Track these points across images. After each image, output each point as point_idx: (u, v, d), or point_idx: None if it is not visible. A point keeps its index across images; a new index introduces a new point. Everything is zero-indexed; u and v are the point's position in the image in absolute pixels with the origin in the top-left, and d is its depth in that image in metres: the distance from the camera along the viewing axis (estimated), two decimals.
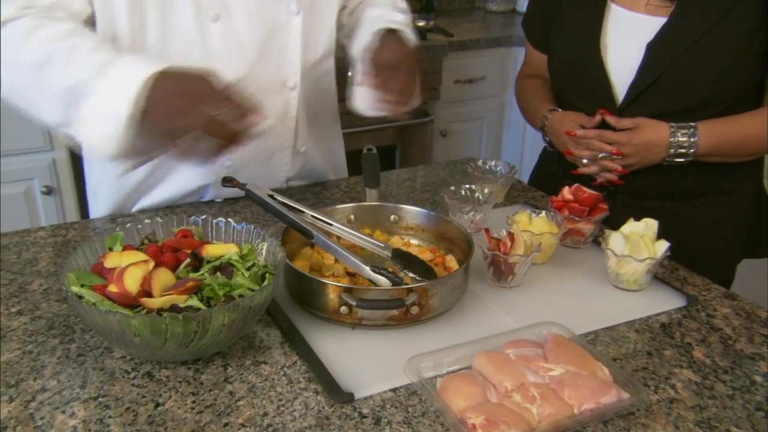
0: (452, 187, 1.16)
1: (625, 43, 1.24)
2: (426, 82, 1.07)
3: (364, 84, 1.03)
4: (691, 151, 1.19)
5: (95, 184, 1.25)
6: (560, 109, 1.33)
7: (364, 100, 1.06)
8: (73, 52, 0.89)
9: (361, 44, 1.12)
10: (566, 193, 1.12)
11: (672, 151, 1.20)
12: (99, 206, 1.24)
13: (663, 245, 0.98)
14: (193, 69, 0.86)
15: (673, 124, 1.19)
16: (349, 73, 1.14)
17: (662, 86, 1.20)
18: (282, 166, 1.25)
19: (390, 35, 1.09)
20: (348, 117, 1.37)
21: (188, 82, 0.86)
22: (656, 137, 1.20)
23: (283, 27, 1.12)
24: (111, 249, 0.86)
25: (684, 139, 1.19)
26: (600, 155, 1.23)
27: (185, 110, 0.82)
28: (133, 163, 0.90)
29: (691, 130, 1.19)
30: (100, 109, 0.85)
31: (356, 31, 1.19)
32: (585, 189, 1.11)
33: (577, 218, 1.08)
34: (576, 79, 1.30)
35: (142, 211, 1.21)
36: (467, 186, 1.17)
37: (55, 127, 0.92)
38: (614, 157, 1.22)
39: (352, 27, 1.22)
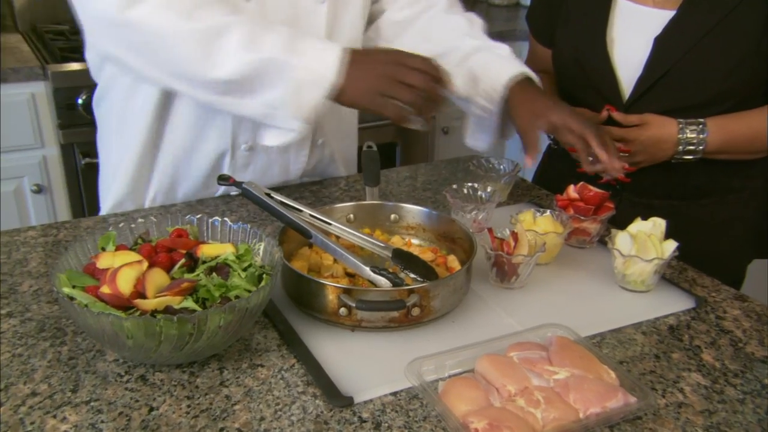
0: (454, 186, 1.17)
1: (632, 37, 1.24)
2: None
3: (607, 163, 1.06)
4: (700, 147, 1.19)
5: (110, 173, 1.25)
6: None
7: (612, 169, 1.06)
8: (251, 23, 0.97)
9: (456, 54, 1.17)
10: (571, 191, 1.12)
11: (680, 147, 1.20)
12: (113, 192, 1.24)
13: (671, 245, 0.98)
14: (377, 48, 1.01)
15: (681, 120, 1.20)
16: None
17: (670, 82, 1.20)
18: (299, 158, 1.26)
19: (527, 82, 1.13)
20: None
21: (382, 52, 1.01)
22: (664, 134, 1.20)
23: (309, 14, 1.13)
24: (103, 249, 0.86)
25: (693, 135, 1.19)
26: None
27: (383, 80, 0.96)
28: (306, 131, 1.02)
29: (700, 126, 1.19)
30: (304, 79, 0.96)
31: (435, 35, 1.22)
32: (591, 187, 1.11)
33: (582, 217, 1.08)
34: (581, 74, 1.30)
35: (151, 208, 1.23)
36: (469, 184, 1.17)
37: (217, 93, 0.99)
38: (621, 154, 1.22)
39: (424, 27, 1.24)
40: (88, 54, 1.22)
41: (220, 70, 0.96)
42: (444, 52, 1.18)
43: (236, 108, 1.01)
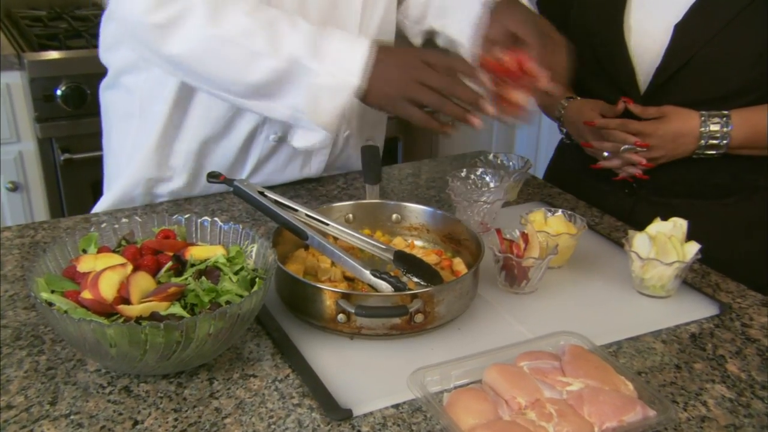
0: (462, 172, 1.17)
1: (651, 24, 1.24)
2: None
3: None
4: (724, 142, 1.19)
5: (124, 161, 1.26)
6: (578, 97, 1.33)
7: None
8: (272, 25, 0.99)
9: (466, 20, 1.13)
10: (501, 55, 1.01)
11: (703, 142, 1.20)
12: (125, 177, 1.25)
13: (693, 247, 0.98)
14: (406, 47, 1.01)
15: (704, 112, 1.19)
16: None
17: (691, 72, 1.20)
18: (323, 150, 1.27)
19: (503, 2, 1.09)
20: None
21: (409, 54, 0.99)
22: (685, 127, 1.20)
23: None
24: (85, 251, 0.86)
25: (716, 128, 1.18)
26: (622, 147, 1.23)
27: (409, 83, 0.96)
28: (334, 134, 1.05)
29: (724, 119, 1.19)
30: (325, 85, 0.98)
31: (450, 7, 1.21)
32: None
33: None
34: (596, 64, 1.30)
35: (155, 204, 1.24)
36: (479, 170, 1.18)
37: (244, 97, 1.03)
38: (638, 149, 1.22)
39: (440, 5, 1.23)
40: (106, 30, 1.22)
41: (248, 77, 1.00)
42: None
43: (265, 111, 1.06)
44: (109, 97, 1.28)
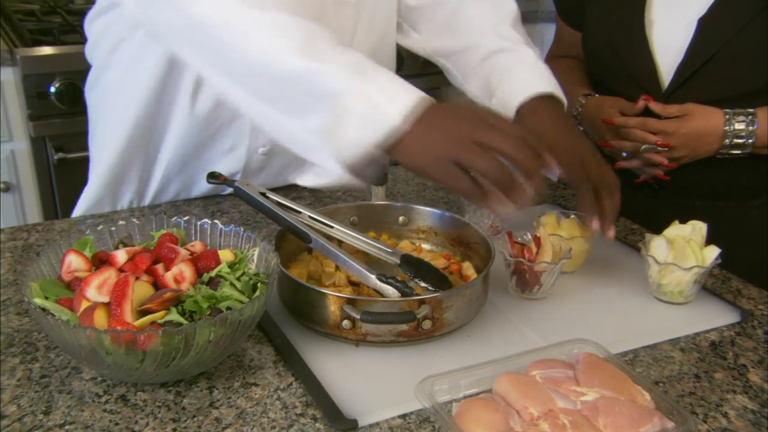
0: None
1: (673, 18, 1.24)
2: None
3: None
4: (750, 141, 1.19)
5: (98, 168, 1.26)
6: (596, 94, 1.33)
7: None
8: (315, 34, 0.86)
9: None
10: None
11: (727, 141, 1.19)
12: (94, 188, 1.25)
13: (713, 251, 0.98)
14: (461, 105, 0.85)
15: (728, 110, 1.19)
16: None
17: (715, 68, 1.20)
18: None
19: (546, 104, 1.03)
20: None
21: (464, 108, 0.85)
22: (709, 125, 1.19)
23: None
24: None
25: (741, 127, 1.18)
26: (643, 147, 1.23)
27: (461, 143, 0.80)
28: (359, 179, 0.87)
29: (750, 117, 1.18)
30: (357, 109, 0.82)
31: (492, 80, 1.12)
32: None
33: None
34: (616, 59, 1.29)
35: (155, 205, 1.25)
36: None
37: (258, 97, 0.89)
38: (659, 149, 1.22)
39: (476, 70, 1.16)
40: (93, 26, 1.21)
41: (272, 67, 0.85)
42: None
43: (277, 127, 0.90)
44: (92, 96, 1.28)
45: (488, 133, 0.81)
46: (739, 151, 1.20)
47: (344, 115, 0.82)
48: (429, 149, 0.82)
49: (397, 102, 0.82)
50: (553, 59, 1.48)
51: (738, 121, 1.19)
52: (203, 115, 1.16)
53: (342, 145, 0.84)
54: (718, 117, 1.19)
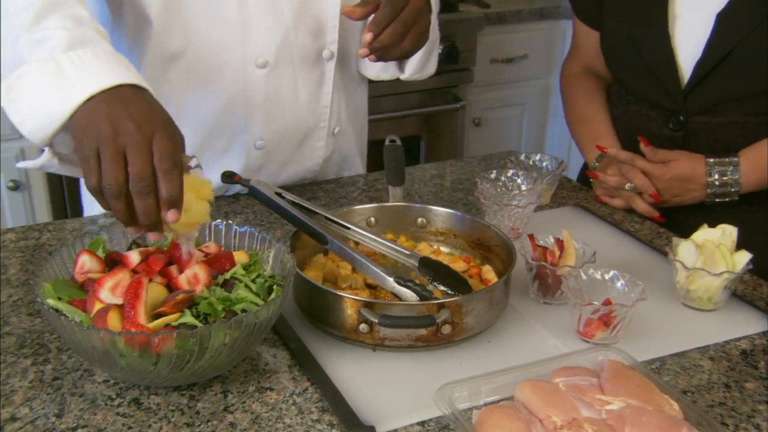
0: (492, 174, 1.17)
1: (694, 13, 1.24)
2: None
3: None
4: (734, 189, 1.21)
5: None
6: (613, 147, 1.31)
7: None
8: (53, 11, 0.85)
9: None
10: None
11: (710, 190, 1.21)
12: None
13: (744, 257, 0.97)
14: (156, 107, 0.80)
15: (710, 159, 1.20)
16: None
17: (733, 64, 1.20)
18: (316, 150, 1.28)
19: None
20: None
21: (134, 109, 0.78)
22: (692, 173, 1.21)
23: None
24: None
25: (724, 178, 1.20)
26: (627, 185, 1.24)
27: (106, 138, 0.75)
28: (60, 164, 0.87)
29: (731, 167, 1.20)
30: (39, 88, 0.81)
31: None
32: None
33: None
34: (636, 57, 1.29)
35: None
36: (508, 174, 1.17)
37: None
38: (642, 192, 1.24)
39: None
40: None
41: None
42: None
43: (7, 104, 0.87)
44: None
45: (136, 145, 0.75)
46: (727, 199, 1.22)
47: (45, 83, 0.81)
48: (84, 129, 0.78)
49: (92, 80, 0.79)
50: (570, 76, 1.46)
51: (719, 172, 1.20)
52: (190, 119, 1.16)
53: (23, 110, 0.84)
54: (700, 166, 1.21)
